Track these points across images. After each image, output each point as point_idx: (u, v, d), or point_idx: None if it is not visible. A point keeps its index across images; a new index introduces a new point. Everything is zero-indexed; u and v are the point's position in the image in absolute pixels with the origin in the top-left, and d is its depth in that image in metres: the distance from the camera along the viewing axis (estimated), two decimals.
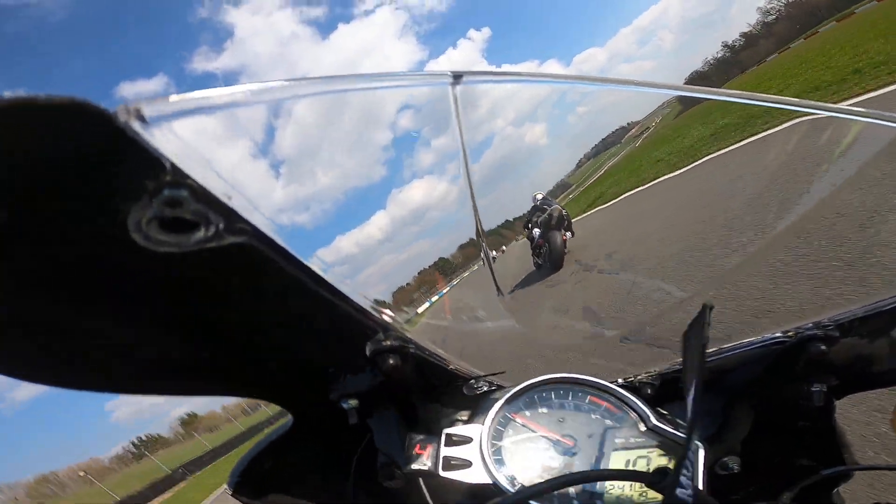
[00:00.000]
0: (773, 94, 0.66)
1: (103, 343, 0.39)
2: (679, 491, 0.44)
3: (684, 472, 0.46)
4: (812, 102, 0.65)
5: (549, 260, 6.91)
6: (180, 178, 0.29)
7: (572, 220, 7.17)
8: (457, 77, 0.51)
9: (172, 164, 0.28)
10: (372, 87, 0.43)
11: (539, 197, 7.04)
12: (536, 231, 7.15)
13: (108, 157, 0.26)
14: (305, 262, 0.41)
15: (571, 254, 7.00)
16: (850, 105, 0.66)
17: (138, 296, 0.36)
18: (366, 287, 0.50)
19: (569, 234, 7.12)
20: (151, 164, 0.27)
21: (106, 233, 0.29)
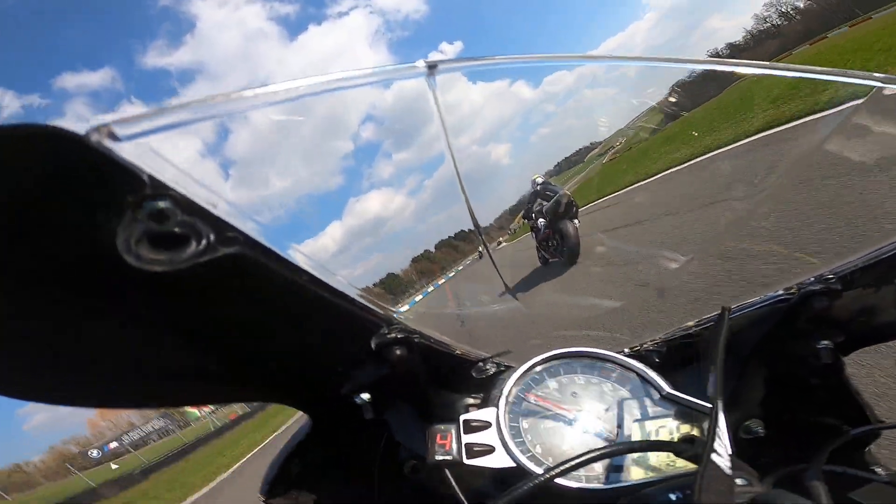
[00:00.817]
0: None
1: (112, 361, 0.40)
2: (714, 457, 0.44)
3: (717, 439, 0.46)
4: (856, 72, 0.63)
5: (563, 253, 6.05)
6: (161, 189, 0.29)
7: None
8: (431, 67, 0.51)
9: (150, 177, 0.28)
10: (347, 87, 0.43)
11: (539, 181, 5.95)
12: (541, 221, 6.18)
13: (86, 180, 0.27)
14: (300, 265, 0.41)
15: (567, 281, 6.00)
16: None
17: (141, 314, 0.37)
18: (365, 282, 0.50)
19: (576, 221, 6.13)
20: (130, 180, 0.28)
21: (97, 257, 0.29)
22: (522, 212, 6.09)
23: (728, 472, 0.43)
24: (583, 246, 5.89)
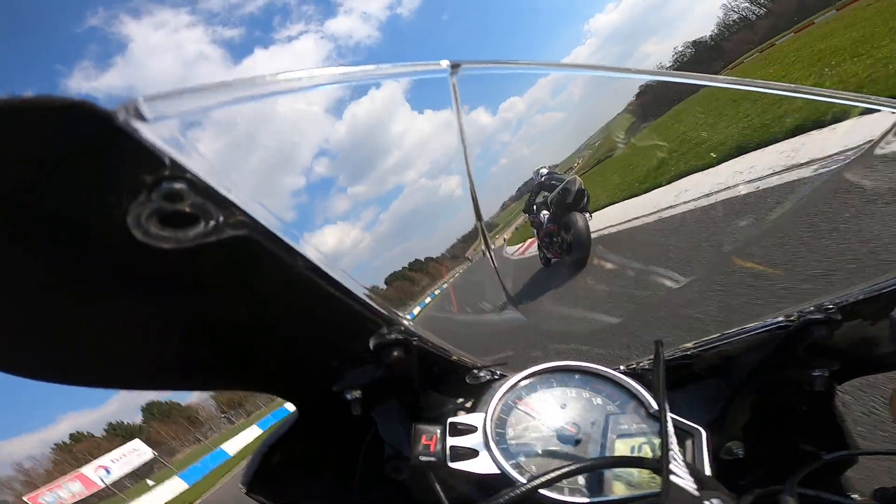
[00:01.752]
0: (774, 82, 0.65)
1: (106, 340, 0.39)
2: (675, 479, 0.45)
3: (677, 462, 0.47)
4: (820, 90, 0.64)
5: (570, 251, 5.07)
6: (179, 171, 0.29)
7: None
8: (454, 66, 0.51)
9: (171, 159, 0.28)
10: (369, 80, 0.43)
11: (544, 171, 5.06)
12: (545, 214, 5.06)
13: (108, 156, 0.27)
14: (307, 256, 0.41)
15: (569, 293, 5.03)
16: None
17: (140, 292, 0.36)
18: (369, 280, 0.50)
19: (588, 215, 5.09)
20: (150, 159, 0.28)
21: (106, 230, 0.29)
22: (523, 206, 5.08)
23: (694, 492, 0.43)
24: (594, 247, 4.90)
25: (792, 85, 0.65)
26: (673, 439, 0.56)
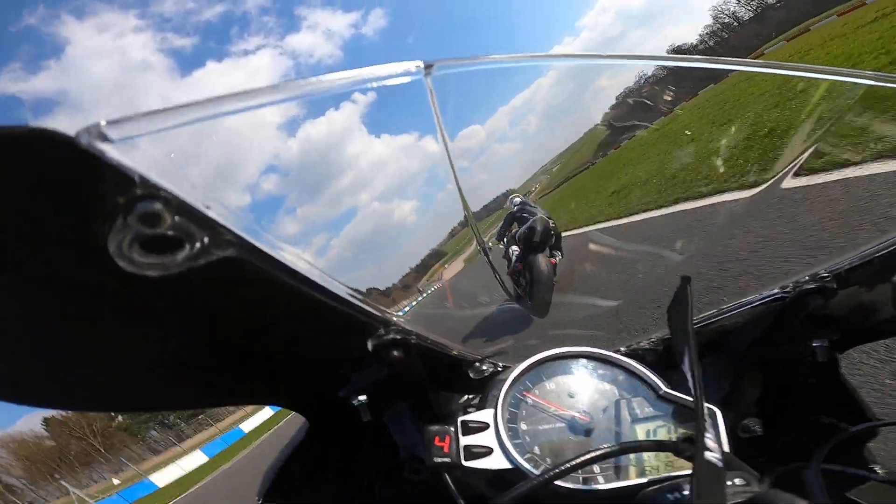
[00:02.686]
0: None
1: (110, 367, 0.39)
2: (708, 454, 0.44)
3: (708, 436, 0.46)
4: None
5: (531, 295, 4.78)
6: (152, 190, 0.28)
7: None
8: (428, 66, 0.51)
9: (141, 178, 0.27)
10: (342, 89, 0.43)
11: (517, 201, 4.70)
12: (514, 250, 4.89)
13: (77, 183, 0.26)
14: (295, 267, 0.40)
15: (561, 283, 4.81)
16: None
17: (136, 320, 0.36)
18: (360, 284, 0.50)
19: (558, 254, 4.88)
20: (120, 181, 0.27)
21: (90, 260, 0.29)
22: (496, 233, 4.80)
23: (723, 472, 0.43)
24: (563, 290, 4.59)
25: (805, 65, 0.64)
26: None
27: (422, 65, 0.49)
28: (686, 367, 0.52)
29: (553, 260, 4.77)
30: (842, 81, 0.64)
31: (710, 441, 0.45)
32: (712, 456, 0.43)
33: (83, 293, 0.32)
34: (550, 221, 4.65)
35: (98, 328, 0.35)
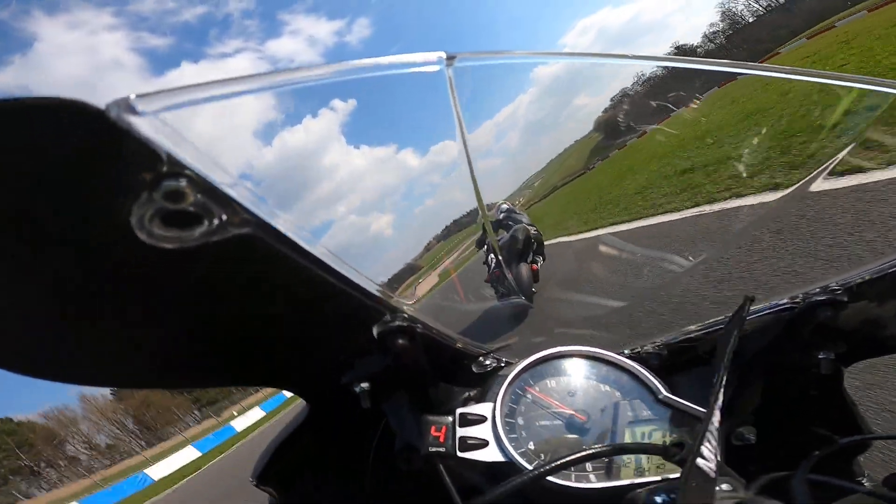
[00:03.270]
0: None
1: (117, 339, 0.40)
2: (700, 462, 0.44)
3: (706, 446, 0.46)
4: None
5: (508, 311, 4.61)
6: (178, 168, 0.29)
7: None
8: (450, 58, 0.51)
9: (169, 155, 0.28)
10: (365, 76, 0.43)
11: (504, 208, 5.09)
12: (492, 257, 4.89)
13: (104, 154, 0.27)
14: (309, 250, 0.41)
15: (543, 287, 4.99)
16: None
17: (148, 291, 0.37)
18: (370, 270, 0.50)
19: (540, 259, 5.12)
20: (147, 156, 0.28)
21: (110, 232, 0.30)
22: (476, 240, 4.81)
23: (712, 477, 0.43)
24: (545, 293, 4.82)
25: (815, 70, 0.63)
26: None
27: (444, 55, 0.50)
28: (715, 380, 0.54)
29: (535, 266, 5.04)
30: (865, 90, 0.63)
31: (707, 451, 0.46)
32: (705, 465, 0.44)
33: (101, 263, 0.32)
34: (532, 229, 4.98)
35: (112, 299, 0.36)
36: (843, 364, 0.67)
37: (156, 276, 0.35)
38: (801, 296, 0.62)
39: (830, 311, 0.60)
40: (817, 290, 0.61)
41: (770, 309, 0.65)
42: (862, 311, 0.61)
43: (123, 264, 0.33)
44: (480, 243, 4.95)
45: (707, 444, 0.46)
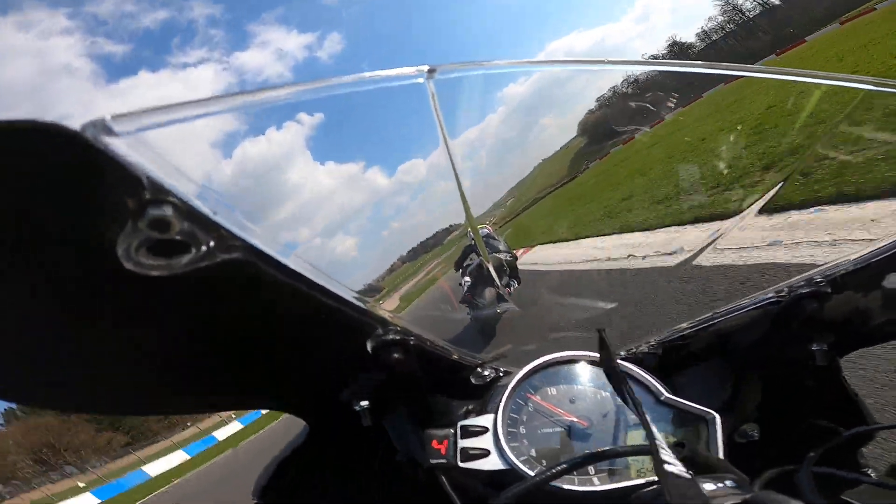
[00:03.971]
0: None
1: (106, 367, 0.39)
2: (670, 468, 0.44)
3: (665, 452, 0.46)
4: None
5: (479, 324, 5.30)
6: (161, 194, 0.28)
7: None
8: (431, 71, 0.51)
9: (150, 179, 0.28)
10: (347, 91, 0.43)
11: (484, 233, 5.36)
12: (466, 281, 5.33)
13: (84, 179, 0.26)
14: (298, 271, 0.40)
15: (561, 288, 5.23)
16: None
17: (139, 319, 0.36)
18: (360, 286, 0.50)
19: (514, 283, 5.33)
20: (128, 180, 0.27)
21: (92, 260, 0.29)
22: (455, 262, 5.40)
23: (687, 475, 0.43)
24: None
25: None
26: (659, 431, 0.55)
27: (426, 68, 0.50)
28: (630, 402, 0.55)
29: (509, 290, 5.26)
30: (840, 86, 0.64)
31: (668, 455, 0.45)
32: (673, 468, 0.44)
33: (83, 293, 0.32)
34: (506, 255, 5.22)
35: (97, 329, 0.35)
36: (837, 354, 0.67)
37: (144, 305, 0.35)
38: (785, 289, 0.63)
39: (816, 303, 0.61)
40: (801, 282, 0.62)
41: (756, 303, 0.66)
42: (848, 301, 0.62)
43: (109, 294, 0.32)
44: (458, 266, 5.42)
45: (664, 448, 0.46)
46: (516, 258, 5.34)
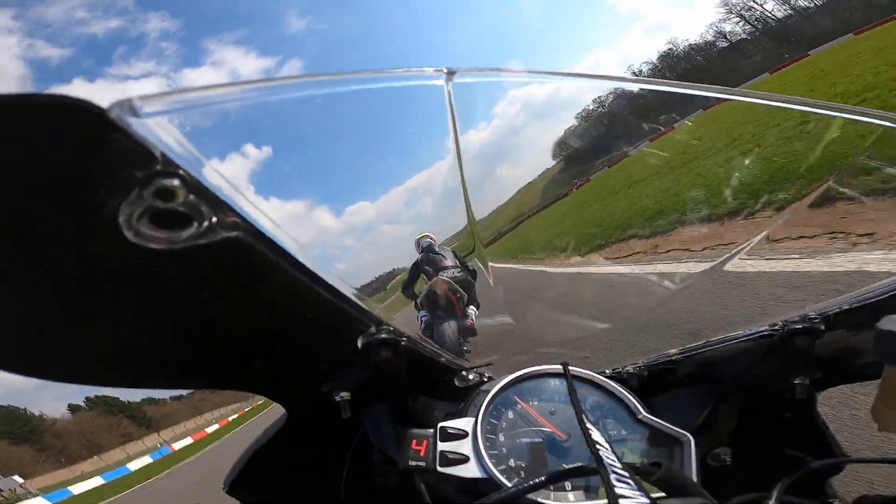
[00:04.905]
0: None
1: (96, 338, 0.39)
2: (622, 488, 0.45)
3: (622, 481, 0.47)
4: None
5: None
6: (172, 168, 0.28)
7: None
8: (450, 73, 0.51)
9: (164, 155, 0.28)
10: (367, 87, 0.43)
11: (425, 244, 4.37)
12: (423, 316, 4.26)
13: (101, 153, 0.26)
14: (299, 258, 0.40)
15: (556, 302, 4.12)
16: None
17: (131, 293, 0.36)
18: (359, 282, 0.50)
19: (473, 312, 4.16)
20: (143, 156, 0.27)
21: (98, 229, 0.29)
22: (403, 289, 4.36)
23: (641, 496, 0.43)
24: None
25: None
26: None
27: (445, 70, 0.50)
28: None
29: (469, 321, 4.16)
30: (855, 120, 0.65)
31: (621, 477, 0.46)
32: (626, 489, 0.44)
33: (92, 263, 0.32)
34: (455, 272, 4.16)
35: (91, 298, 0.35)
36: (816, 389, 0.68)
37: (142, 276, 0.34)
38: (780, 323, 0.64)
39: (808, 339, 0.61)
40: (796, 318, 0.63)
41: (750, 335, 0.66)
42: (838, 339, 0.63)
43: (112, 264, 0.32)
44: (407, 292, 4.33)
45: (614, 471, 0.47)
46: (474, 275, 4.23)
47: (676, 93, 0.70)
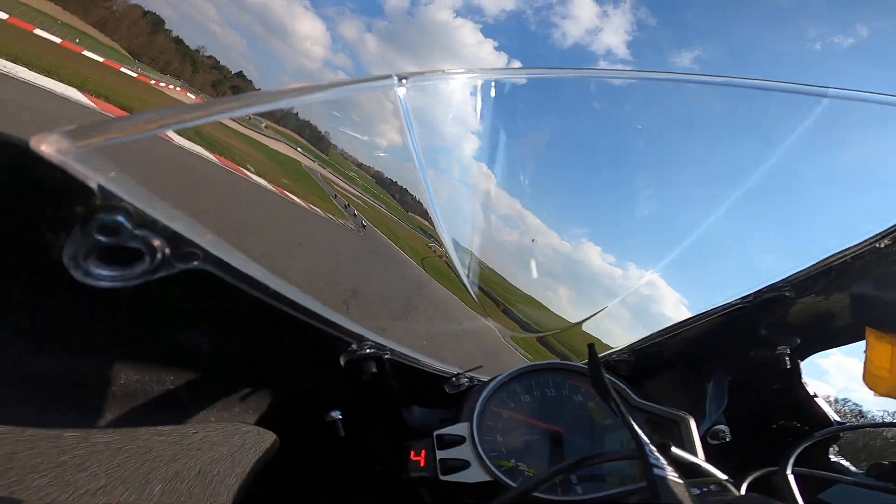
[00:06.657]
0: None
1: (67, 381, 0.37)
2: (659, 470, 0.45)
3: (652, 452, 0.46)
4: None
5: None
6: (112, 200, 0.27)
7: None
8: (403, 78, 0.51)
9: (101, 188, 0.26)
10: (315, 99, 0.42)
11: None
12: None
13: (33, 190, 0.25)
14: (264, 282, 0.39)
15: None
16: None
17: (95, 332, 0.34)
18: (335, 298, 0.49)
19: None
20: (78, 190, 0.26)
21: (45, 272, 0.27)
22: None
23: (678, 480, 0.43)
24: None
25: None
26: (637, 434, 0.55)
27: (395, 77, 0.50)
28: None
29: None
30: None
31: (656, 458, 0.46)
32: (663, 472, 0.44)
33: (37, 306, 0.30)
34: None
35: (53, 343, 0.33)
36: (800, 357, 0.70)
37: (104, 315, 0.33)
38: (752, 295, 0.65)
39: (781, 308, 0.63)
40: (766, 288, 0.64)
41: (724, 309, 0.68)
42: (811, 305, 0.64)
43: (67, 305, 0.30)
44: None
45: (648, 447, 0.46)
46: None
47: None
